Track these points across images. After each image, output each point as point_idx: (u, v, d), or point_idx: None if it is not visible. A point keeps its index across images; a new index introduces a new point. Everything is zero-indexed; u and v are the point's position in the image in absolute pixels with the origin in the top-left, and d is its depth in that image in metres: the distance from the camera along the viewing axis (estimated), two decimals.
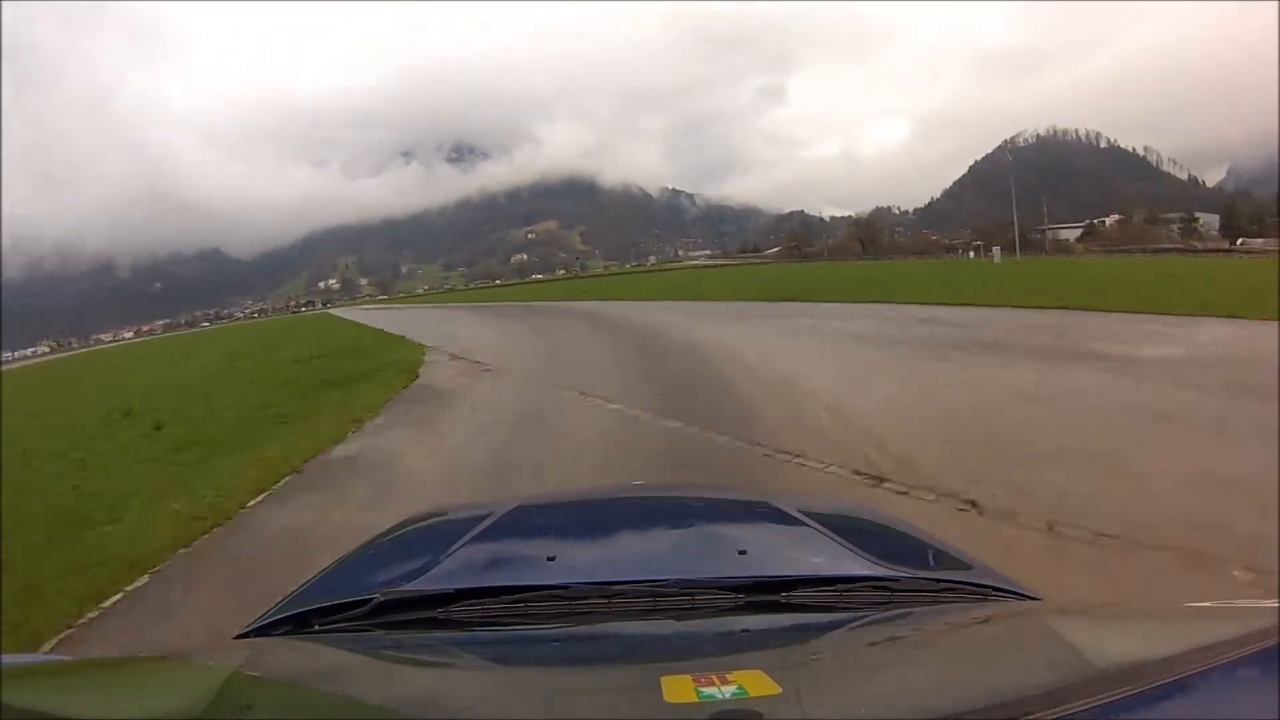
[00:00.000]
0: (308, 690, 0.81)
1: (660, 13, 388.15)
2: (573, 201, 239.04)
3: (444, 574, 1.05)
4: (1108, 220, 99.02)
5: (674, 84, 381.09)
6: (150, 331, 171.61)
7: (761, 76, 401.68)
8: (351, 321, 36.40)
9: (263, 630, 1.02)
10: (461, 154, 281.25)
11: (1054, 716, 0.53)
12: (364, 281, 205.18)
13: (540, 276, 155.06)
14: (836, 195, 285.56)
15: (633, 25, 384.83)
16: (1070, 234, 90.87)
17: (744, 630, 0.93)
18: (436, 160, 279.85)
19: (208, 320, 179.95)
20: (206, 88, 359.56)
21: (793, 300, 18.93)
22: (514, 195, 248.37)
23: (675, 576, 0.98)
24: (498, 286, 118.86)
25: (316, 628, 0.98)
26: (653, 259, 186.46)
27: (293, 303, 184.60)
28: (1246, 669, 0.61)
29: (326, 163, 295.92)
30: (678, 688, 0.63)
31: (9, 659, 0.90)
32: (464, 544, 1.18)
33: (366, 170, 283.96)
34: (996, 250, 41.24)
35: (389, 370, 12.14)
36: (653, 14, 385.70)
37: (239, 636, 1.02)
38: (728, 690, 0.62)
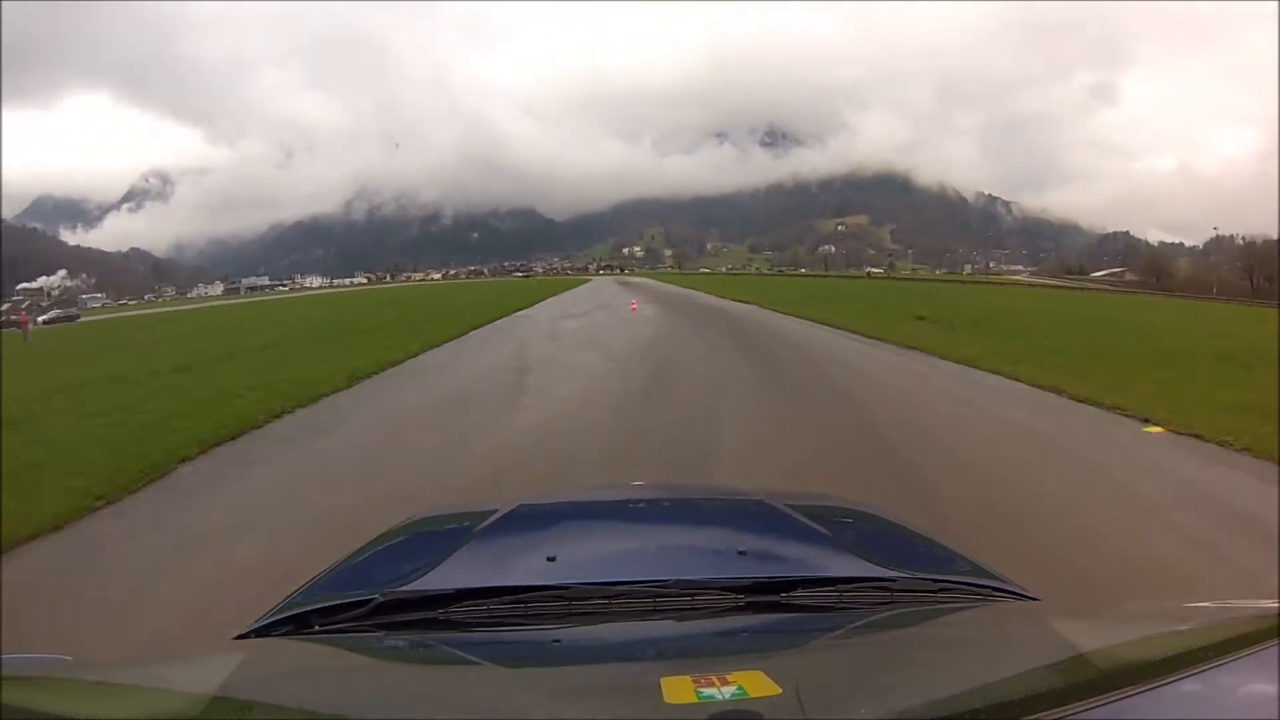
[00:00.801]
0: (308, 690, 0.81)
1: None
2: (885, 197, 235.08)
3: (444, 574, 1.05)
4: None
5: (994, 77, 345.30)
6: (455, 275, 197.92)
7: (1091, 72, 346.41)
8: (509, 301, 30.43)
9: (263, 631, 1.02)
10: (775, 139, 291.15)
11: (1054, 717, 0.53)
12: (668, 253, 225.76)
13: (874, 271, 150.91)
14: (1167, 217, 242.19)
15: (951, 11, 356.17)
16: None
17: (744, 630, 0.94)
18: (750, 143, 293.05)
19: (520, 271, 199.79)
20: (529, 65, 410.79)
21: None
22: (827, 185, 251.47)
23: (675, 577, 0.98)
24: (802, 276, 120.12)
25: (317, 628, 0.99)
26: (969, 268, 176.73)
27: (522, 265, 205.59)
28: (1246, 669, 0.61)
29: (639, 138, 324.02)
30: (677, 689, 0.63)
31: (9, 659, 0.91)
32: (464, 544, 1.18)
33: (679, 148, 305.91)
34: None
35: None
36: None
37: (239, 637, 1.02)
38: (727, 691, 0.62)
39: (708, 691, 0.62)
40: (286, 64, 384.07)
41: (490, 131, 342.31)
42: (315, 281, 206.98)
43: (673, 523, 1.41)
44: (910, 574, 1.03)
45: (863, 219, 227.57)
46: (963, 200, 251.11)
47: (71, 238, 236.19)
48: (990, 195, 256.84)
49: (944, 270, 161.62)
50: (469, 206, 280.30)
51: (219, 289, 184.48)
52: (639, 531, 1.35)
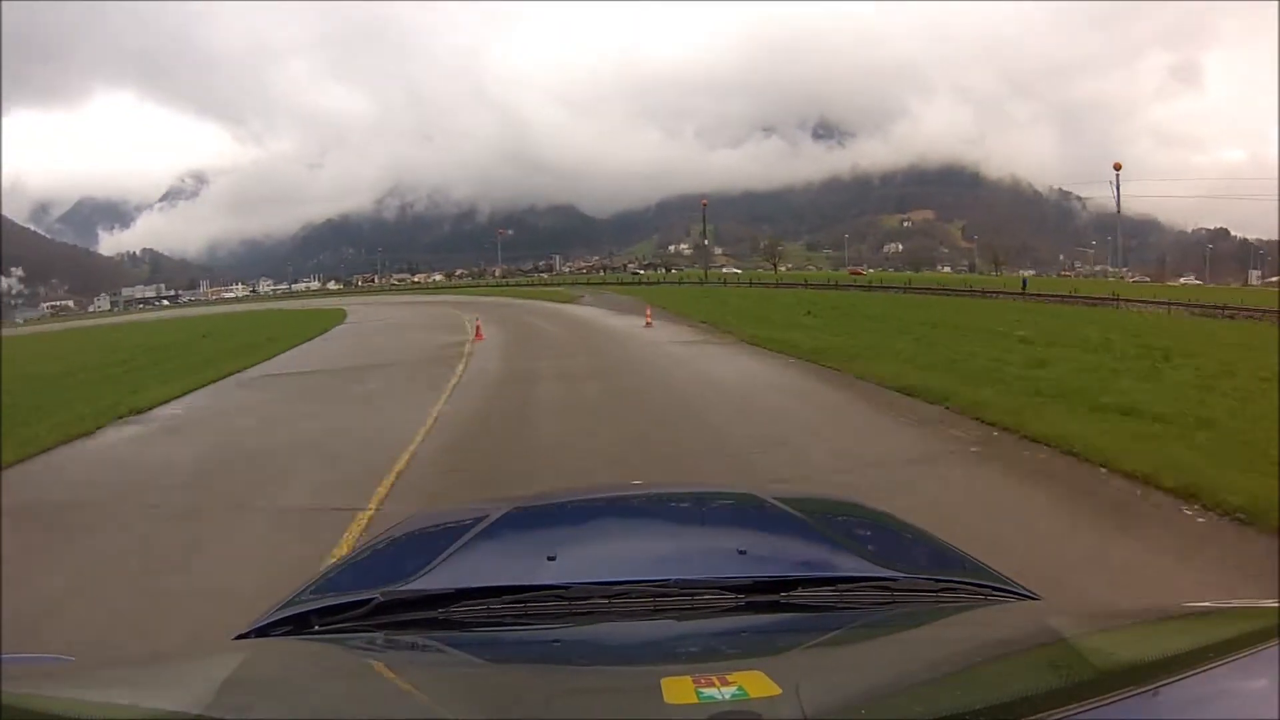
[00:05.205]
0: (308, 690, 0.81)
1: None
2: (951, 190, 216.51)
3: (444, 574, 1.05)
4: None
5: (1064, 59, 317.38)
6: (462, 277, 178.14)
7: (1168, 52, 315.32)
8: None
9: (263, 631, 1.02)
10: (829, 131, 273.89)
11: (1054, 717, 0.53)
12: (718, 251, 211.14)
13: (980, 275, 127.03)
14: (1257, 212, 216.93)
15: None
16: None
17: (744, 630, 0.93)
18: (801, 136, 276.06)
19: (543, 273, 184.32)
20: (564, 53, 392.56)
21: None
22: (888, 178, 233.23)
23: (675, 576, 0.98)
24: (869, 287, 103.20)
25: (316, 628, 0.99)
26: (1127, 273, 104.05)
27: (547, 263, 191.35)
28: (1246, 669, 0.60)
29: (682, 131, 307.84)
30: (678, 689, 0.63)
31: (9, 659, 0.93)
32: (464, 544, 1.17)
33: (725, 141, 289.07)
34: None
35: None
36: None
37: (239, 637, 1.02)
38: (727, 691, 0.62)
39: (708, 692, 0.62)
40: (312, 55, 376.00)
41: (526, 124, 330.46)
42: (238, 290, 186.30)
43: (673, 522, 1.42)
44: (911, 573, 1.04)
45: (929, 214, 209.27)
46: (1037, 195, 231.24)
47: (108, 240, 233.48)
48: (1063, 190, 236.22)
49: (1032, 271, 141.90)
50: (505, 203, 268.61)
51: (105, 303, 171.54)
52: (639, 531, 1.36)
